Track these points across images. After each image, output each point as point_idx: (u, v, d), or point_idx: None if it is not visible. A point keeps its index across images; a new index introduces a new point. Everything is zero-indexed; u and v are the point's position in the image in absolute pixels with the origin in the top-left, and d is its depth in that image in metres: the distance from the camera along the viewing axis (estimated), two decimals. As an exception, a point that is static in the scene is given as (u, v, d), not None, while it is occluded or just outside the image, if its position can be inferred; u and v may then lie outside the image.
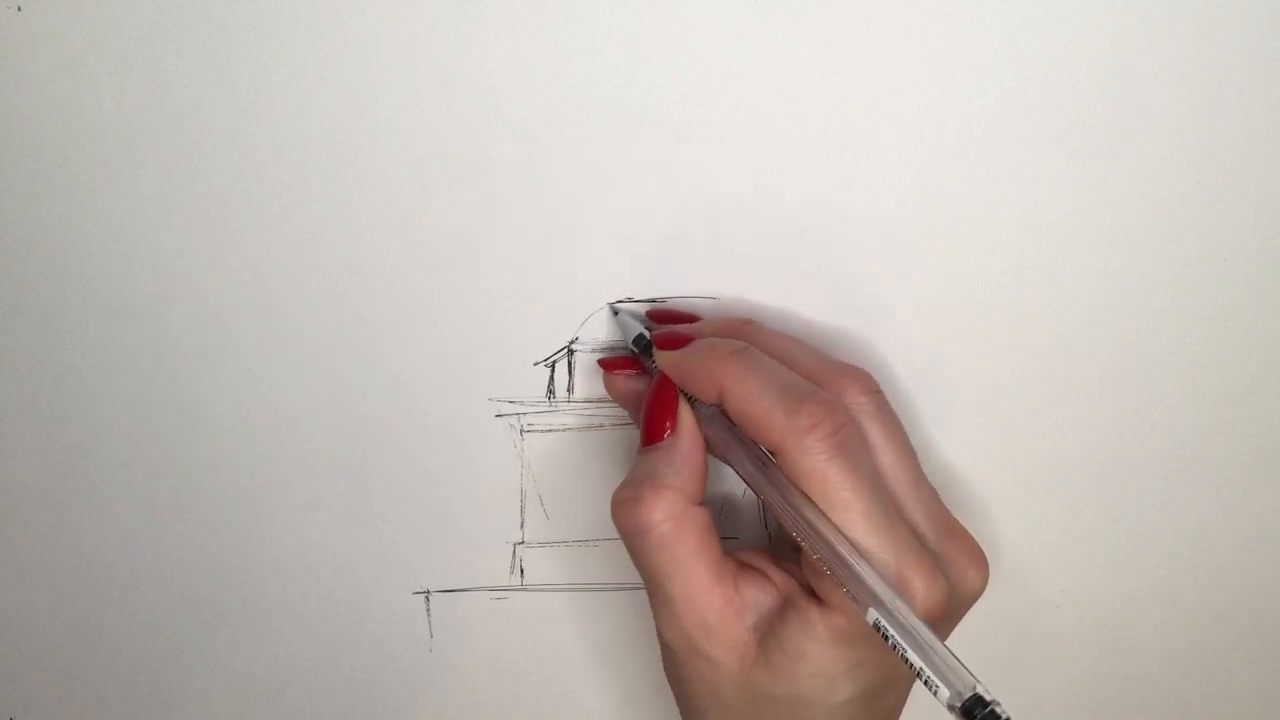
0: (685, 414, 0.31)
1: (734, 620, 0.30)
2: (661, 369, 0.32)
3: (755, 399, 0.29)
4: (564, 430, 0.36)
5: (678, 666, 0.31)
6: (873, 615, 0.26)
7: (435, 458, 0.37)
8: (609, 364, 0.34)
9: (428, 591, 0.38)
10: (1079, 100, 0.33)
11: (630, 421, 0.36)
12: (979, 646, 0.38)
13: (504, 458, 0.37)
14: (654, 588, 0.30)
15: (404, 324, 0.35)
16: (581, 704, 0.40)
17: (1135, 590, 0.38)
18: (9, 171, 0.33)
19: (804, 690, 0.29)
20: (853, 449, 0.28)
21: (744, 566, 0.31)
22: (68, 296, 0.35)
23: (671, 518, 0.29)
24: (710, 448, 0.31)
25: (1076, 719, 0.40)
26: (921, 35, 0.32)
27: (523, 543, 0.38)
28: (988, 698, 0.24)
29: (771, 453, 0.29)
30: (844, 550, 0.27)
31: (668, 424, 0.31)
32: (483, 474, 0.37)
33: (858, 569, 0.27)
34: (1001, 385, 0.36)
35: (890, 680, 0.30)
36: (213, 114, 0.33)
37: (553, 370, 0.36)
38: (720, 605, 0.30)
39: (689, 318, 0.34)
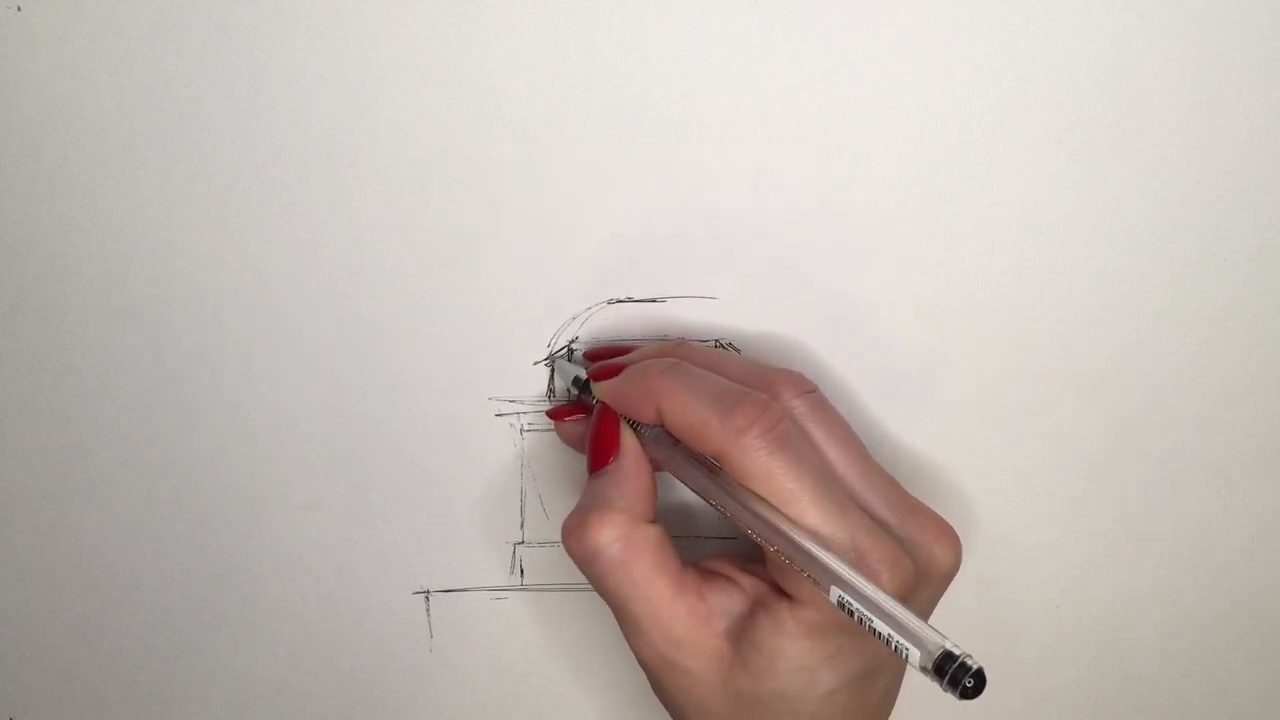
0: (627, 437, 0.32)
1: (703, 629, 0.30)
2: (599, 399, 0.32)
3: (690, 410, 0.29)
4: (564, 430, 0.36)
5: (658, 683, 0.31)
6: (835, 593, 0.26)
7: (435, 458, 0.37)
8: (556, 413, 0.35)
9: (427, 591, 0.38)
10: (1079, 100, 0.33)
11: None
12: (978, 646, 0.38)
13: (504, 457, 0.37)
14: (618, 610, 0.31)
15: (404, 324, 0.35)
16: (581, 704, 0.40)
17: (1135, 590, 0.38)
18: (9, 171, 0.33)
19: (786, 687, 0.29)
20: (793, 442, 0.28)
21: (709, 574, 0.31)
22: (68, 296, 0.35)
23: (620, 539, 0.30)
24: (661, 467, 0.31)
25: (1076, 719, 0.40)
26: (921, 35, 0.32)
27: (523, 542, 0.38)
28: (957, 652, 0.24)
29: (715, 460, 0.29)
30: (799, 537, 0.27)
31: (611, 449, 0.31)
32: (483, 474, 0.37)
33: (814, 551, 0.27)
34: (1001, 386, 0.36)
35: (875, 665, 0.30)
36: (213, 114, 0.33)
37: (553, 370, 0.36)
38: (686, 616, 0.30)
39: (623, 350, 0.35)
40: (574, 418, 0.34)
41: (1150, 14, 0.32)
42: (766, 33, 0.32)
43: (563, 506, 0.37)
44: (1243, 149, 0.33)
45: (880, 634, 0.26)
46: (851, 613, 0.26)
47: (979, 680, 0.24)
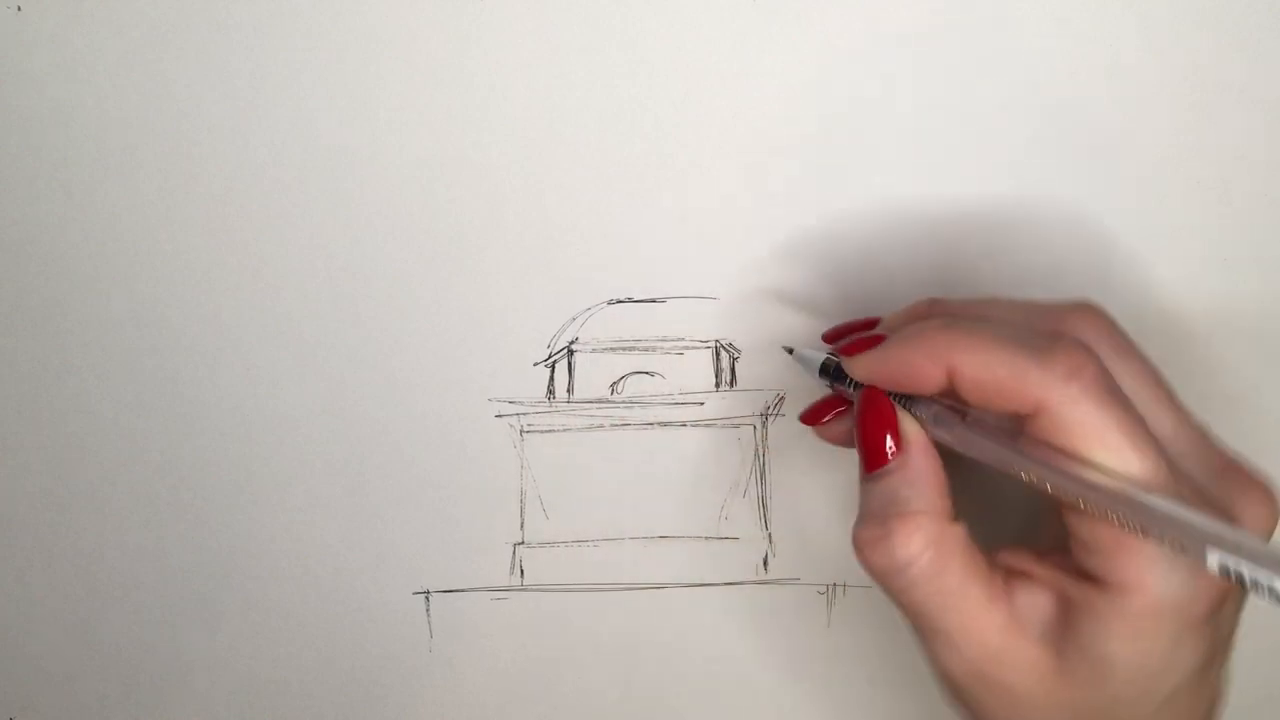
0: (907, 422, 0.27)
1: (1020, 639, 0.26)
2: (864, 380, 0.28)
3: (996, 362, 0.25)
4: (564, 430, 0.36)
5: (970, 702, 0.27)
6: (1215, 557, 0.22)
7: (435, 458, 0.37)
8: (813, 415, 0.30)
9: (428, 592, 0.38)
10: (1079, 100, 0.33)
11: (628, 423, 0.36)
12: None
13: (504, 458, 0.37)
14: (924, 623, 0.27)
15: (404, 324, 0.35)
16: (581, 704, 0.40)
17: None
18: (9, 171, 0.33)
19: (1121, 694, 0.25)
20: (1117, 389, 0.25)
21: (1009, 572, 0.27)
22: (68, 296, 0.35)
23: (931, 546, 0.26)
24: (942, 451, 0.28)
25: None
26: (922, 35, 0.32)
27: (522, 543, 0.38)
28: None
29: (1026, 417, 0.25)
30: (1153, 499, 0.23)
31: (890, 439, 0.27)
32: (482, 474, 0.37)
33: (1179, 512, 0.23)
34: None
35: (1214, 650, 0.26)
36: (213, 114, 0.33)
37: (553, 371, 0.36)
38: (1003, 627, 0.26)
39: (866, 324, 0.31)
40: (832, 415, 0.30)
41: (1151, 14, 0.32)
42: (766, 33, 0.32)
43: (563, 507, 0.37)
44: (1243, 149, 0.33)
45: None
46: (1240, 579, 0.22)
47: None
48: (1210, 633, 0.25)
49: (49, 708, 0.39)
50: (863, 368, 0.28)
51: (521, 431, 0.36)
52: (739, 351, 0.35)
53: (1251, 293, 0.35)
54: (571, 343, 0.35)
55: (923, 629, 0.27)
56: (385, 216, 0.34)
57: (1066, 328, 0.26)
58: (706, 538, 0.38)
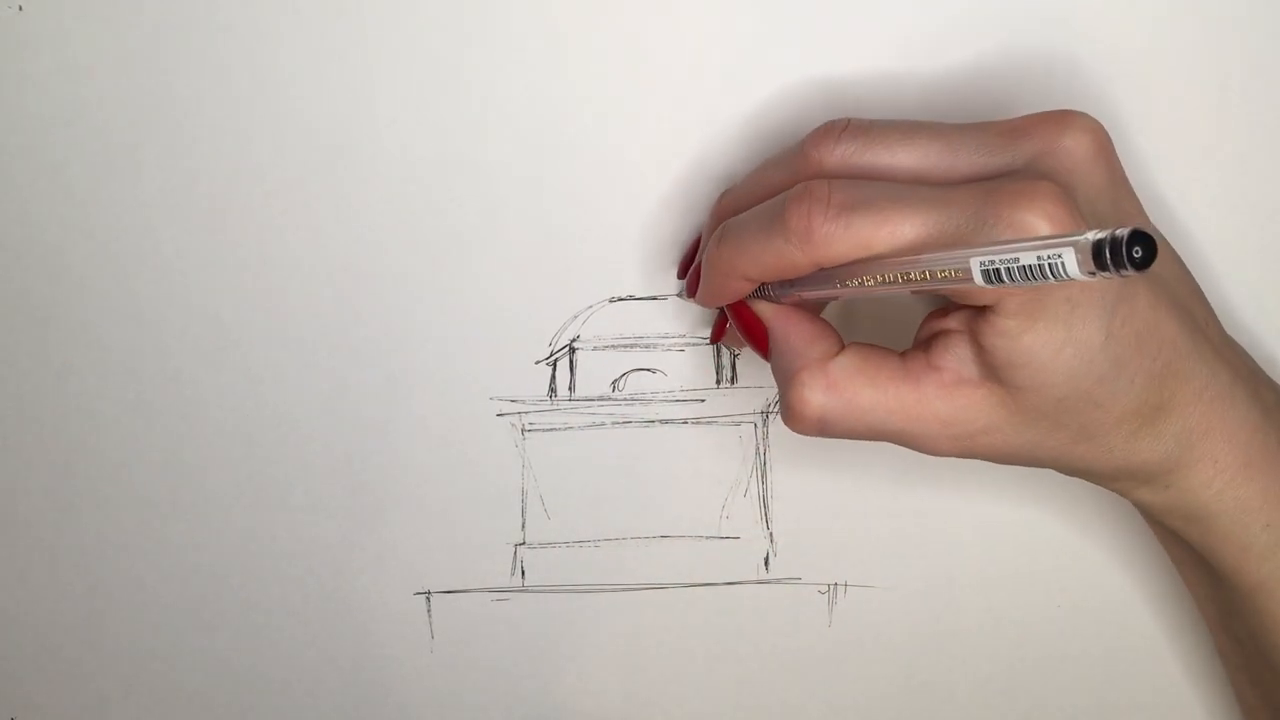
0: (761, 307, 0.30)
1: (961, 392, 0.27)
2: (710, 307, 0.32)
3: (758, 256, 0.27)
4: (565, 429, 0.36)
5: (974, 457, 0.29)
6: (976, 270, 0.23)
7: (436, 458, 0.37)
8: (715, 334, 0.35)
9: (429, 592, 0.38)
10: (1079, 100, 0.33)
11: (630, 420, 0.36)
12: (979, 646, 0.38)
13: (505, 457, 0.37)
14: (890, 440, 0.28)
15: (404, 324, 0.35)
16: (582, 705, 0.40)
17: (1137, 590, 0.38)
18: (9, 171, 0.33)
19: (1060, 379, 0.26)
20: (857, 194, 0.26)
21: (925, 340, 0.28)
22: (68, 296, 0.35)
23: (825, 388, 0.28)
24: (804, 299, 0.30)
25: (1077, 719, 0.40)
26: (923, 34, 0.32)
27: (524, 543, 0.38)
28: (1102, 234, 0.20)
29: (817, 270, 0.27)
30: (919, 260, 0.25)
31: (758, 331, 0.30)
32: (483, 474, 0.37)
33: (924, 257, 0.24)
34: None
35: (1111, 299, 0.26)
36: (213, 114, 0.33)
37: (554, 369, 0.36)
38: (940, 395, 0.27)
39: (695, 248, 0.33)
40: (725, 328, 0.33)
41: (1152, 13, 0.32)
42: (766, 32, 0.32)
43: (564, 507, 0.37)
44: (1243, 149, 0.33)
45: (1033, 267, 0.22)
46: (999, 274, 0.22)
47: (1141, 243, 0.19)
48: (1078, 292, 0.25)
49: (49, 708, 0.39)
50: (702, 302, 0.31)
51: (523, 430, 0.36)
52: (740, 349, 0.36)
53: (1251, 293, 0.35)
54: (573, 340, 0.35)
55: (895, 443, 0.28)
56: (385, 216, 0.34)
57: (802, 165, 0.28)
58: (707, 537, 0.38)
